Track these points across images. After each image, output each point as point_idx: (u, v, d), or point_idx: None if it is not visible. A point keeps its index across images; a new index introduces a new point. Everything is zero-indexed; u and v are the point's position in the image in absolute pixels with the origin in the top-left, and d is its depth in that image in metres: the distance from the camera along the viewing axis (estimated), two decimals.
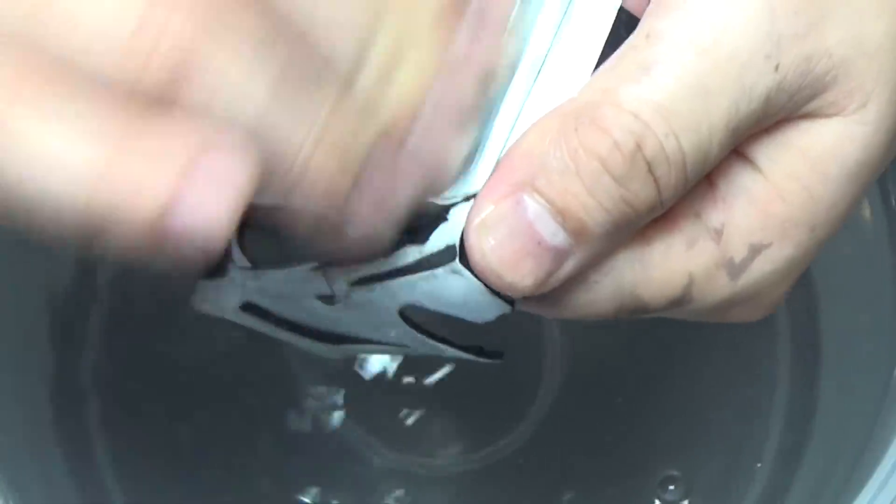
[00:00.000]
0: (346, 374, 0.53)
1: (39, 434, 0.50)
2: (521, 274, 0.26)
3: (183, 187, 0.21)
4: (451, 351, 0.32)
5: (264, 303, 0.33)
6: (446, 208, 0.27)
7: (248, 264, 0.32)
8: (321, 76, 0.23)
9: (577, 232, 0.26)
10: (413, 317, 0.30)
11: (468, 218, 0.27)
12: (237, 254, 0.32)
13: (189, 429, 0.52)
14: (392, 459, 0.52)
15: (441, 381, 0.53)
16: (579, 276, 0.27)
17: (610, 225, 0.26)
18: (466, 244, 0.26)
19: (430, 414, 0.53)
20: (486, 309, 0.28)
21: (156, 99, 0.21)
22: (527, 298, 0.28)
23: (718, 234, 0.28)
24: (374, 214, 0.25)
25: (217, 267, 0.34)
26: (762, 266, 0.28)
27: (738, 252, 0.28)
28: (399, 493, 0.52)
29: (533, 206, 0.26)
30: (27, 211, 0.21)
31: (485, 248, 0.26)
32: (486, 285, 0.27)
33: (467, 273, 0.27)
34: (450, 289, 0.27)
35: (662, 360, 0.53)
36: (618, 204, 0.26)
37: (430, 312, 0.29)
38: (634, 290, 0.28)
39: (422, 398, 0.53)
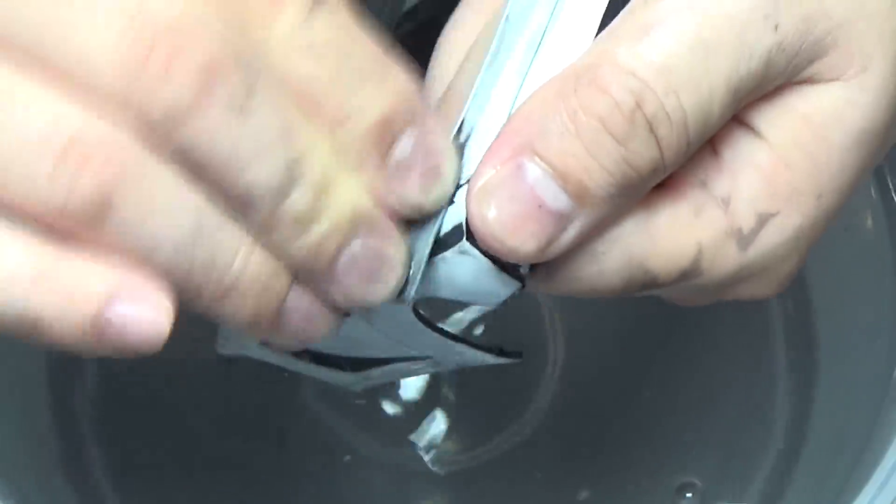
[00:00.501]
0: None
1: (37, 438, 0.50)
2: (523, 238, 0.26)
3: (117, 290, 0.23)
4: (470, 354, 0.32)
5: None
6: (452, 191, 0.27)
7: None
8: (248, 200, 0.23)
9: (579, 195, 0.26)
10: (428, 316, 0.30)
11: (469, 185, 0.26)
12: None
13: (187, 432, 0.52)
14: (391, 458, 0.52)
15: (441, 378, 0.53)
16: (585, 247, 0.27)
17: (612, 187, 0.26)
18: (468, 211, 0.26)
19: (431, 410, 0.53)
20: (496, 289, 0.28)
21: (84, 224, 0.22)
22: (535, 274, 0.28)
23: (725, 202, 0.28)
24: (308, 320, 0.25)
25: None
26: (771, 236, 0.28)
27: (747, 221, 0.28)
28: (400, 491, 0.52)
29: (533, 170, 0.26)
30: None
31: (485, 214, 0.26)
32: (493, 262, 0.27)
33: (475, 251, 0.27)
34: (459, 272, 0.27)
35: (662, 360, 0.53)
36: (619, 165, 0.26)
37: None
38: (643, 262, 0.27)
39: (423, 397, 0.53)
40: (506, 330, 0.53)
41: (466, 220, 0.26)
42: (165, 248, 0.23)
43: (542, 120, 0.26)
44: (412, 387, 0.53)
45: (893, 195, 0.48)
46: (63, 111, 0.22)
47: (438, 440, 0.52)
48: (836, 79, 0.27)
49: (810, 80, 0.27)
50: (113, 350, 0.23)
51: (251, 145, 0.23)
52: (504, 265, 0.27)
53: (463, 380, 0.53)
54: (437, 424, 0.52)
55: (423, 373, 0.34)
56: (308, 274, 0.25)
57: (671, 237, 0.28)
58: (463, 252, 0.27)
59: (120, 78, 0.22)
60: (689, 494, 0.51)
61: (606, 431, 0.52)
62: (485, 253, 0.27)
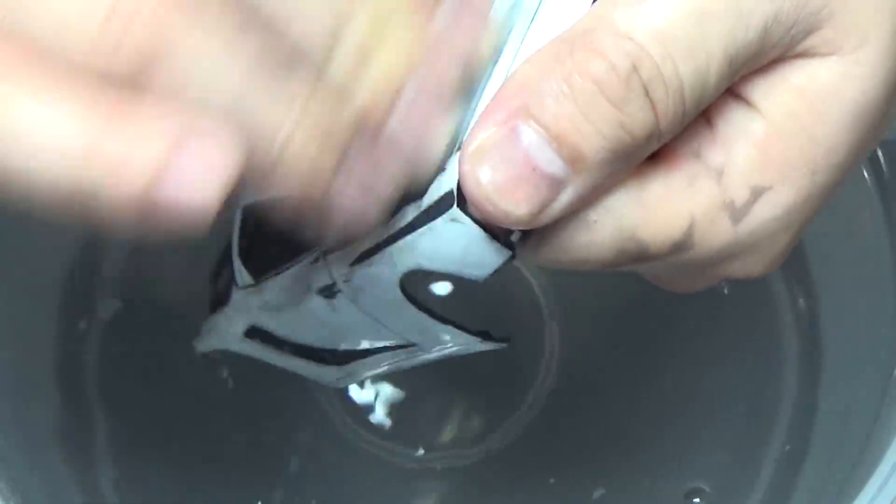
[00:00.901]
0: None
1: (40, 435, 0.50)
2: (516, 201, 0.26)
3: (169, 162, 0.22)
4: (455, 338, 0.32)
5: (268, 324, 0.33)
6: (443, 159, 0.27)
7: (250, 281, 0.32)
8: (295, 61, 0.23)
9: (574, 159, 0.26)
10: (416, 295, 0.30)
11: (462, 147, 0.26)
12: (240, 272, 0.32)
13: (191, 428, 0.52)
14: (391, 456, 0.52)
15: (437, 374, 0.52)
16: (577, 215, 0.27)
17: (607, 152, 0.26)
18: (461, 173, 0.26)
19: (425, 406, 0.53)
20: (485, 258, 0.27)
21: (132, 84, 0.22)
22: (525, 242, 0.27)
23: (719, 174, 0.28)
24: (359, 197, 0.25)
25: (220, 296, 0.34)
26: (764, 210, 0.28)
27: (740, 194, 0.28)
28: (399, 488, 0.52)
29: (528, 133, 0.26)
30: (21, 185, 0.22)
31: (479, 175, 0.26)
32: (484, 229, 0.27)
33: (465, 218, 0.27)
34: (449, 240, 0.27)
35: (662, 361, 0.53)
36: (614, 129, 0.26)
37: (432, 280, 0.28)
38: (635, 232, 0.27)
39: (418, 390, 0.53)
40: (504, 329, 0.53)
41: (458, 185, 0.26)
42: (216, 102, 0.22)
43: (538, 83, 0.26)
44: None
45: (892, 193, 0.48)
46: None
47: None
48: (833, 53, 0.27)
49: (806, 54, 0.27)
50: (168, 220, 0.22)
51: None
52: (494, 233, 0.27)
53: (460, 377, 0.53)
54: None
55: (408, 365, 0.34)
56: (355, 148, 0.24)
57: (664, 207, 0.27)
58: (453, 220, 0.27)
59: None
60: (696, 500, 0.51)
61: (605, 427, 0.52)
62: (475, 220, 0.27)
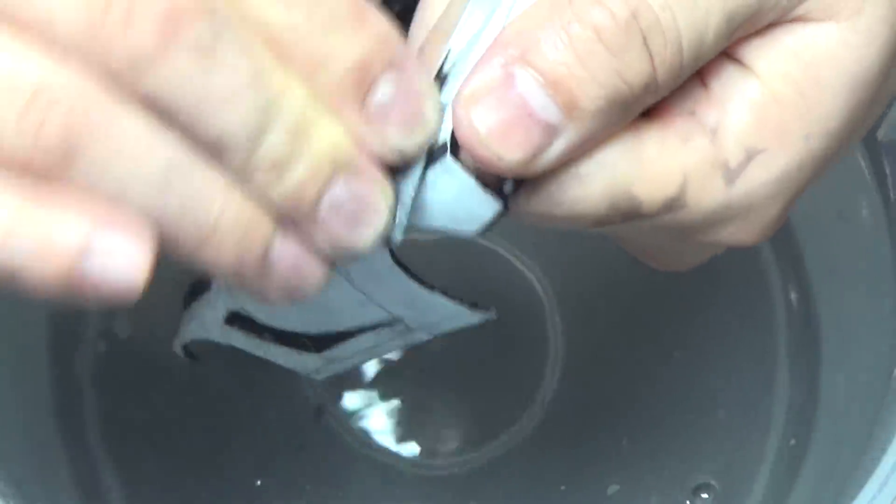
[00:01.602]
0: (347, 377, 0.52)
1: (39, 434, 0.50)
2: (510, 146, 0.26)
3: (90, 243, 0.22)
4: (442, 309, 0.31)
5: (249, 308, 0.33)
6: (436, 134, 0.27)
7: None
8: (222, 145, 0.23)
9: (569, 106, 0.26)
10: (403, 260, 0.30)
11: (458, 92, 0.26)
12: None
13: (190, 428, 0.52)
14: (391, 457, 0.52)
15: (441, 377, 0.52)
16: (570, 168, 0.27)
17: (602, 101, 0.26)
18: (455, 117, 0.26)
19: (429, 409, 0.53)
20: (476, 211, 0.27)
21: (53, 170, 0.22)
22: (517, 194, 0.27)
23: (713, 133, 0.28)
24: (296, 267, 0.25)
25: (201, 283, 0.34)
26: (757, 173, 0.28)
27: (734, 155, 0.28)
28: (401, 496, 0.52)
29: (523, 78, 0.25)
30: None
31: (473, 118, 0.26)
32: (476, 179, 0.27)
33: (457, 168, 0.26)
34: (441, 192, 0.27)
35: (662, 361, 0.53)
36: (611, 77, 0.26)
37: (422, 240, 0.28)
38: (628, 187, 0.27)
39: (421, 394, 0.53)
40: (508, 331, 0.53)
41: (452, 134, 0.26)
42: (137, 193, 0.23)
43: (536, 30, 0.26)
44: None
45: (892, 192, 0.48)
46: (27, 62, 0.22)
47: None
48: (830, 19, 0.27)
49: (803, 18, 0.27)
50: (92, 298, 0.23)
51: (221, 90, 0.23)
52: (487, 182, 0.27)
53: (463, 378, 0.53)
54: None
55: (391, 349, 0.34)
56: (292, 221, 0.25)
57: (657, 163, 0.27)
58: (445, 170, 0.27)
59: (82, 28, 0.22)
60: (705, 495, 0.51)
61: (611, 427, 0.52)
62: (468, 171, 0.26)
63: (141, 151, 0.23)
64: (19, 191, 0.22)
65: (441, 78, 0.27)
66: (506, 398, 0.53)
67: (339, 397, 0.52)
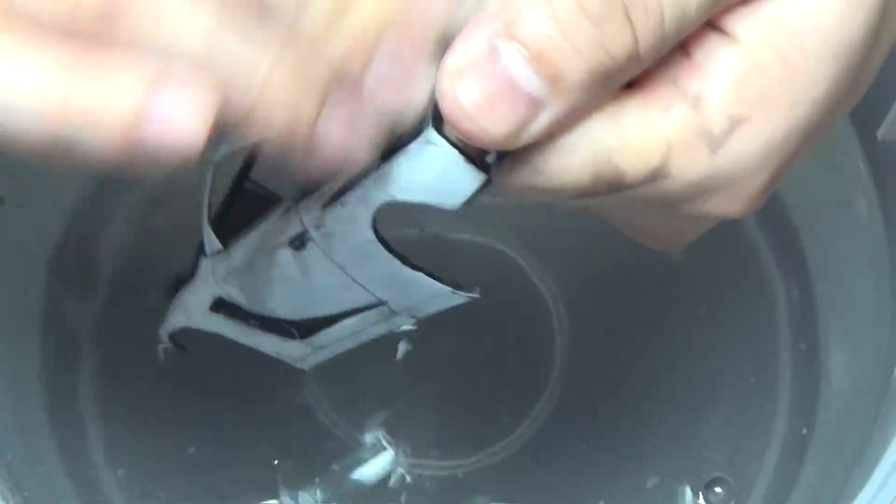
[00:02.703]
0: (345, 375, 0.52)
1: (36, 434, 0.50)
2: (494, 119, 0.26)
3: (148, 103, 0.22)
4: (425, 290, 0.31)
5: (234, 294, 0.33)
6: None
7: (219, 246, 0.32)
8: (267, 12, 0.23)
9: (553, 78, 0.26)
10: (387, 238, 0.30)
11: (441, 65, 0.26)
12: (208, 238, 0.32)
13: (189, 425, 0.52)
14: (392, 456, 0.52)
15: (445, 376, 0.52)
16: (554, 139, 0.27)
17: (586, 73, 0.26)
18: (439, 91, 0.26)
19: (432, 409, 0.53)
20: (460, 184, 0.27)
21: (100, 38, 0.22)
22: (500, 166, 0.27)
23: (696, 101, 0.28)
24: (344, 138, 0.25)
25: (188, 269, 0.34)
26: (741, 142, 0.28)
27: (717, 123, 0.28)
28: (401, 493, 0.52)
29: (507, 50, 0.25)
30: (3, 138, 0.22)
31: (457, 92, 0.26)
32: (460, 150, 0.27)
33: (441, 140, 0.27)
34: (423, 166, 0.27)
35: (664, 359, 0.53)
36: (594, 48, 0.26)
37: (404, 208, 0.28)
38: (611, 157, 0.27)
39: (424, 394, 0.53)
40: (512, 330, 0.53)
41: (434, 106, 0.26)
42: (186, 54, 0.22)
43: (519, 3, 0.26)
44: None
45: (890, 190, 0.48)
46: None
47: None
48: None
49: None
50: (152, 162, 0.23)
51: None
52: (470, 155, 0.27)
53: (467, 378, 0.53)
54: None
55: (375, 334, 0.33)
56: (338, 93, 0.24)
57: (640, 133, 0.27)
58: (428, 142, 0.27)
59: None
60: (718, 489, 0.51)
61: (614, 429, 0.52)
62: (451, 143, 0.27)
63: (185, 11, 0.22)
64: (67, 56, 0.22)
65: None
66: (510, 397, 0.53)
67: (339, 397, 0.52)
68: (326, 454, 0.52)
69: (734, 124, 0.28)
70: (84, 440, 0.51)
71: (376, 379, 0.52)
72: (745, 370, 0.53)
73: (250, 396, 0.52)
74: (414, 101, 0.26)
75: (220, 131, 0.23)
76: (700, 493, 0.51)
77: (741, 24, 0.27)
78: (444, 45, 0.26)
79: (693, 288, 0.53)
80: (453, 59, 0.26)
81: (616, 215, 0.32)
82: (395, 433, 0.52)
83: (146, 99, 0.22)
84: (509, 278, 0.54)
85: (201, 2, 0.23)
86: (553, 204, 0.29)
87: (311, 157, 0.25)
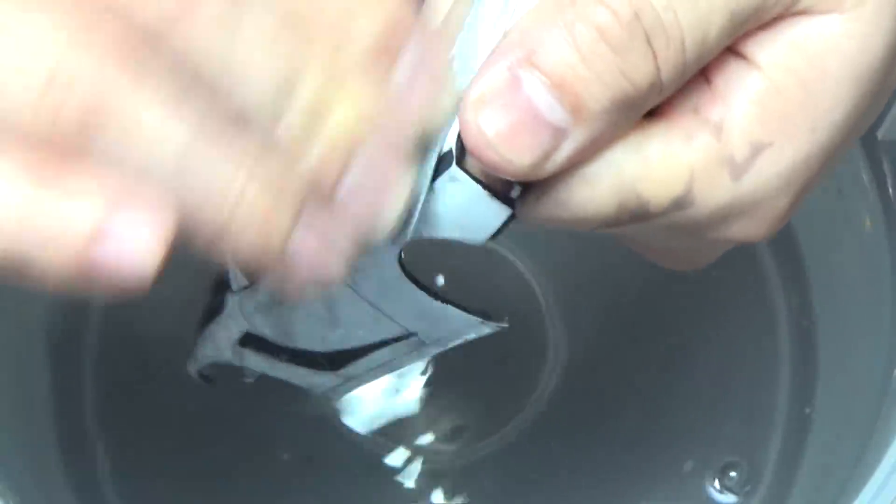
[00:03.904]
0: None
1: (38, 437, 0.50)
2: (518, 150, 0.26)
3: (104, 226, 0.22)
4: (454, 321, 0.31)
5: (262, 328, 0.33)
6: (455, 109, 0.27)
7: (245, 282, 0.32)
8: (242, 122, 0.23)
9: (575, 108, 0.26)
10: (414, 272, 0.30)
11: (464, 97, 0.26)
12: (234, 274, 0.32)
13: (190, 431, 0.52)
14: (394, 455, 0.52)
15: (440, 379, 0.53)
16: (578, 170, 0.27)
17: (608, 101, 0.26)
18: (462, 122, 0.26)
19: (431, 407, 0.53)
20: (485, 218, 0.27)
21: (73, 150, 0.22)
22: (525, 199, 0.27)
23: (718, 129, 0.28)
24: (319, 252, 0.25)
25: (215, 304, 0.34)
26: (764, 167, 0.28)
27: (740, 150, 0.28)
28: (397, 492, 0.52)
29: (529, 80, 0.25)
30: None
31: (480, 123, 0.26)
32: (484, 186, 0.27)
33: (465, 176, 0.26)
34: (449, 202, 0.27)
35: (661, 365, 0.53)
36: (615, 77, 0.26)
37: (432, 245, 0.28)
38: (635, 186, 0.27)
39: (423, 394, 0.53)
40: (507, 333, 0.53)
41: (458, 142, 0.26)
42: (156, 174, 0.23)
43: (540, 32, 0.26)
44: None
45: (891, 193, 0.48)
46: (46, 39, 0.22)
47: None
48: (832, 11, 0.27)
49: (807, 12, 0.27)
50: (104, 285, 0.23)
51: (240, 60, 0.23)
52: (494, 189, 0.27)
53: (462, 380, 0.53)
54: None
55: (405, 364, 0.33)
56: (311, 206, 0.24)
57: (663, 162, 0.27)
58: (452, 179, 0.27)
59: None
60: (733, 473, 0.51)
61: (612, 427, 0.52)
62: (475, 178, 0.26)
63: (160, 127, 0.22)
64: (34, 170, 0.22)
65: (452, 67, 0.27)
66: (504, 400, 0.53)
67: (341, 400, 0.52)
68: (327, 454, 0.52)
69: (756, 150, 0.28)
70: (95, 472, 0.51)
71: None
72: (745, 373, 0.53)
73: (255, 405, 0.52)
74: (389, 210, 0.26)
75: (195, 246, 0.23)
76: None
77: (761, 49, 0.27)
78: (423, 144, 0.26)
79: (693, 292, 0.53)
80: (475, 88, 0.26)
81: (631, 236, 0.32)
82: (396, 432, 0.52)
83: (104, 219, 0.22)
84: (505, 281, 0.54)
85: (178, 117, 0.23)
86: (578, 231, 0.29)
87: (284, 271, 0.25)
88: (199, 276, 0.34)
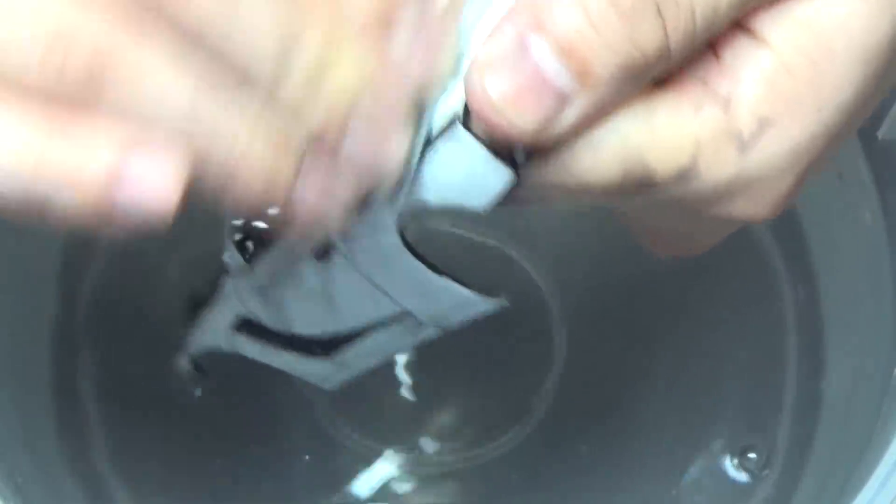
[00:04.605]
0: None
1: (39, 434, 0.50)
2: (523, 112, 0.26)
3: (121, 167, 0.23)
4: (453, 297, 0.31)
5: (257, 312, 0.33)
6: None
7: (241, 261, 0.32)
8: (245, 80, 0.24)
9: (582, 73, 0.26)
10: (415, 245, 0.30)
11: (471, 60, 0.26)
12: (230, 253, 0.32)
13: (191, 427, 0.52)
14: (395, 456, 0.52)
15: (442, 375, 0.52)
16: (583, 136, 0.27)
17: (615, 68, 0.26)
18: (468, 83, 0.26)
19: (433, 408, 0.53)
20: (488, 182, 0.27)
21: (80, 103, 0.23)
22: (529, 163, 0.27)
23: (726, 102, 0.28)
24: (320, 203, 0.26)
25: (211, 287, 0.34)
26: (770, 144, 0.28)
27: (747, 125, 0.28)
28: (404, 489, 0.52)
29: (537, 44, 0.26)
30: None
31: (486, 84, 0.26)
32: (487, 148, 0.27)
33: (469, 137, 0.26)
34: (451, 164, 0.27)
35: (666, 358, 0.53)
36: (624, 44, 0.26)
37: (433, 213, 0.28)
38: (641, 154, 0.27)
39: (424, 394, 0.53)
40: (511, 328, 0.53)
41: (463, 107, 0.26)
42: (165, 122, 0.23)
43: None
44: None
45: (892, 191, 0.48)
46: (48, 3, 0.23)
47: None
48: None
49: None
50: (122, 226, 0.23)
51: (242, 23, 0.23)
52: (498, 151, 0.27)
53: (465, 376, 0.53)
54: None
55: (400, 348, 0.33)
56: (313, 160, 0.25)
57: (670, 131, 0.27)
58: (456, 140, 0.27)
59: None
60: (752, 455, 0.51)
61: (612, 427, 0.52)
62: (478, 138, 0.26)
63: (165, 81, 0.23)
64: (46, 119, 0.23)
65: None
66: (509, 395, 0.53)
67: (338, 395, 0.52)
68: (328, 454, 0.52)
69: (763, 126, 0.28)
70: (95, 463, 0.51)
71: (375, 379, 0.52)
72: (748, 369, 0.53)
73: (255, 406, 0.52)
74: (388, 166, 0.26)
75: (202, 194, 0.24)
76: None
77: (770, 26, 0.28)
78: (420, 107, 0.26)
79: (698, 286, 0.53)
80: (483, 51, 0.26)
81: (634, 213, 0.32)
82: (396, 432, 0.52)
83: (119, 161, 0.23)
84: (509, 276, 0.54)
85: (183, 70, 0.23)
86: (579, 208, 0.29)
87: (287, 220, 0.25)
88: (199, 264, 0.35)
